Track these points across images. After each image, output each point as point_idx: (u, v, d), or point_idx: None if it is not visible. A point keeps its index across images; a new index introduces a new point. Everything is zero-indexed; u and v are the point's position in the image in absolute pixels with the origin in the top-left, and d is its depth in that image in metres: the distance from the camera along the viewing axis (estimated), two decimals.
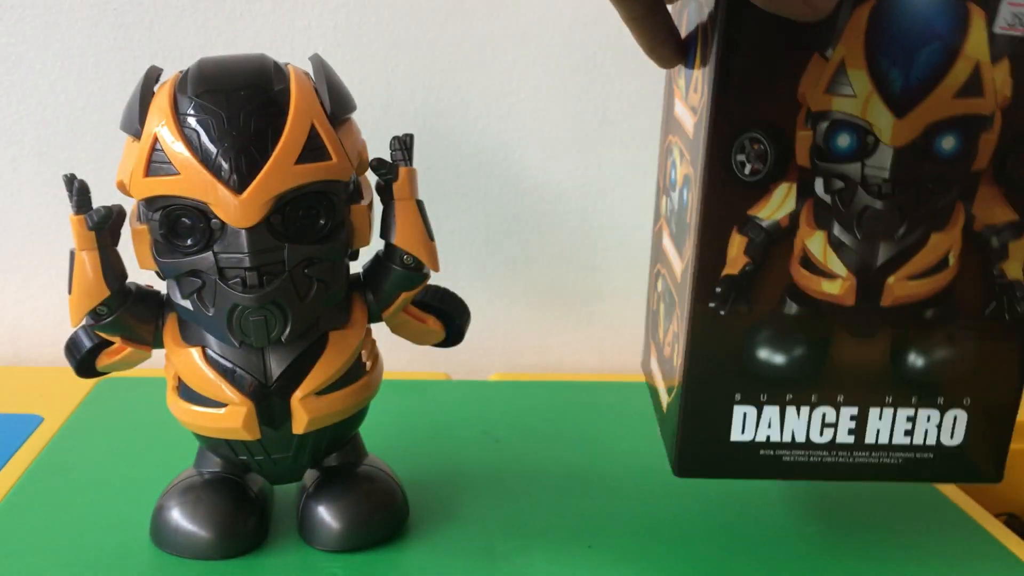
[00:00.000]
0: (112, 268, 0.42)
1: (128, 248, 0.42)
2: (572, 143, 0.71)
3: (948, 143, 0.38)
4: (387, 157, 0.43)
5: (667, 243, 0.47)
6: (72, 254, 0.42)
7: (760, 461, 0.44)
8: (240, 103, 0.39)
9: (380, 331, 0.47)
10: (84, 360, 0.46)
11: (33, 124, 0.70)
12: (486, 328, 0.77)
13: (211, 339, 0.43)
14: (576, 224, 0.74)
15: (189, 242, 0.40)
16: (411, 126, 0.70)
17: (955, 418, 0.43)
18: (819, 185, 0.39)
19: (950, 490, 0.56)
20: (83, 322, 0.43)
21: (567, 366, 0.78)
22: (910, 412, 0.43)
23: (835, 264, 0.40)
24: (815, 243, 0.40)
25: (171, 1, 0.67)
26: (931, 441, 0.43)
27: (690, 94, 0.41)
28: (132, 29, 0.68)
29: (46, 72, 0.69)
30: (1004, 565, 0.49)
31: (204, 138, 0.39)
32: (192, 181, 0.39)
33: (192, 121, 0.39)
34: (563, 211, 0.74)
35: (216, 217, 0.39)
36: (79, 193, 0.41)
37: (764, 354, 0.42)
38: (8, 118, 0.70)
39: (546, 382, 0.71)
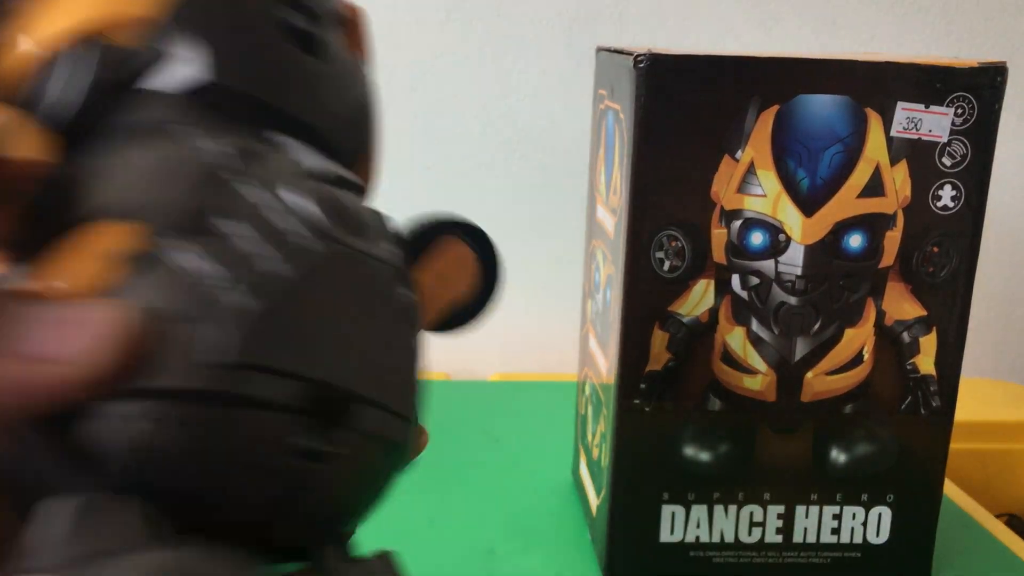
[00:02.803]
0: None
1: None
2: (572, 142, 0.72)
3: (855, 241, 0.40)
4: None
5: (593, 345, 0.47)
6: None
7: (690, 563, 0.43)
8: None
9: None
10: None
11: None
12: (486, 328, 0.77)
13: None
14: (577, 223, 0.75)
15: None
16: (411, 126, 0.72)
17: (880, 515, 0.43)
18: (736, 281, 0.40)
19: (951, 490, 0.55)
20: None
21: (567, 366, 0.78)
22: (835, 510, 0.43)
23: (755, 360, 0.41)
24: (735, 339, 0.41)
25: None
26: (857, 539, 0.43)
27: (610, 196, 0.43)
28: None
29: None
30: (1005, 566, 0.48)
31: None
32: None
33: None
34: (564, 211, 0.75)
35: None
36: None
37: (690, 451, 0.42)
38: None
39: (546, 382, 0.71)
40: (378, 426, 0.20)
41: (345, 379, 0.19)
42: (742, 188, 0.39)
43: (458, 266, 0.27)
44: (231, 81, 0.21)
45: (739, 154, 0.38)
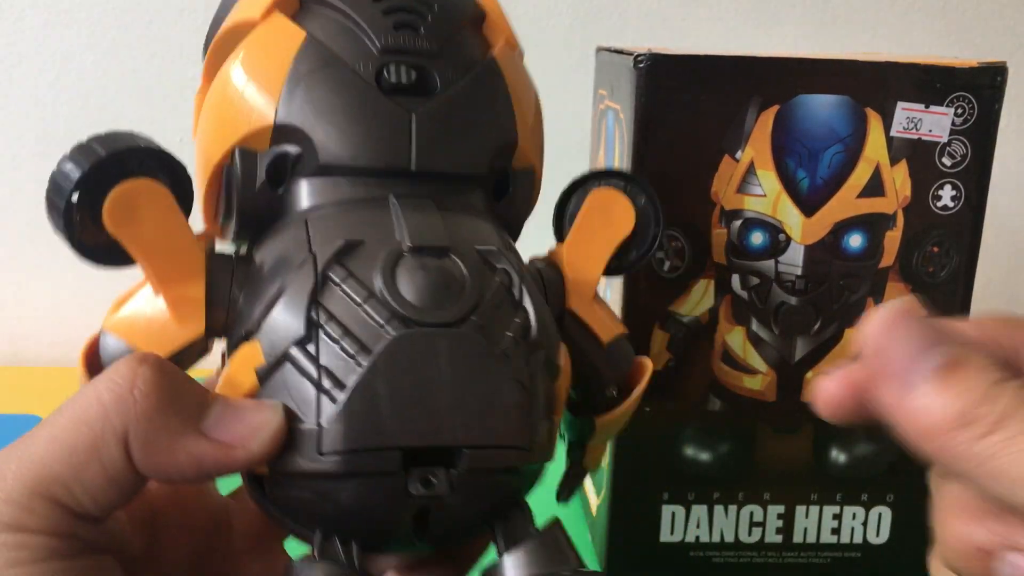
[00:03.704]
0: None
1: None
2: (572, 142, 0.73)
3: (855, 241, 0.40)
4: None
5: None
6: None
7: (690, 563, 0.43)
8: None
9: None
10: None
11: (33, 124, 0.70)
12: None
13: None
14: None
15: None
16: None
17: (880, 515, 0.43)
18: (736, 281, 0.40)
19: None
20: None
21: None
22: (835, 510, 0.43)
23: (755, 360, 0.41)
24: (735, 339, 0.41)
25: (171, 1, 0.69)
26: (858, 539, 0.43)
27: None
28: (132, 29, 0.69)
29: (46, 72, 0.70)
30: None
31: None
32: None
33: None
34: None
35: None
36: None
37: (690, 451, 0.42)
38: (8, 118, 0.70)
39: None
40: (481, 461, 0.25)
41: (436, 437, 0.24)
42: (742, 188, 0.39)
43: (611, 208, 0.31)
44: (340, 158, 0.26)
45: (739, 154, 0.38)
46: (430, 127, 0.27)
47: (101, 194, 0.25)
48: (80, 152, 0.25)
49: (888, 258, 0.40)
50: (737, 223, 0.39)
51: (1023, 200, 0.77)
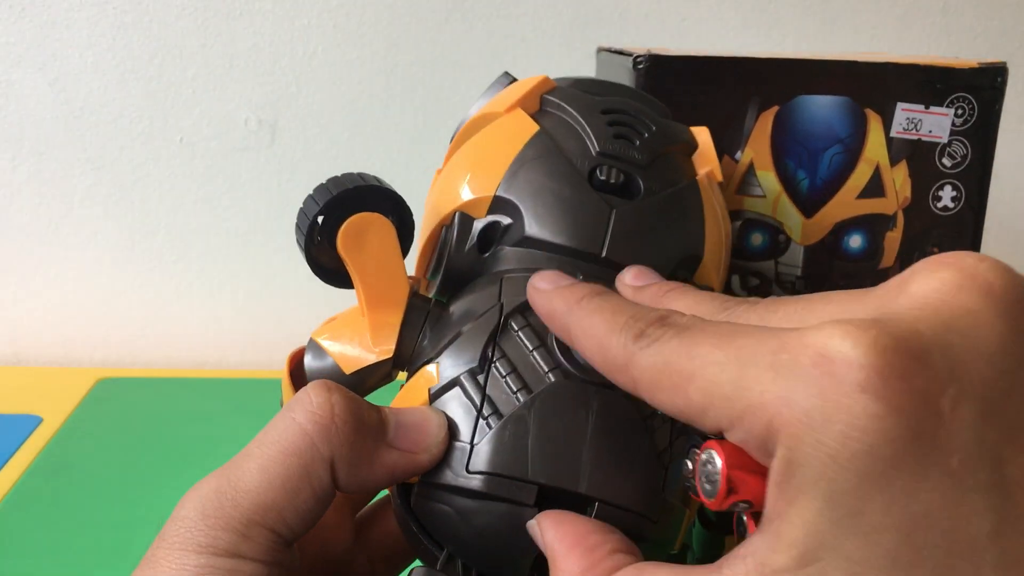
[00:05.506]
0: None
1: None
2: None
3: (855, 242, 0.40)
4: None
5: None
6: None
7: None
8: None
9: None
10: None
11: (32, 124, 0.71)
12: None
13: None
14: None
15: None
16: (411, 126, 0.72)
17: None
18: (735, 282, 0.40)
19: None
20: None
21: None
22: None
23: None
24: None
25: (171, 1, 0.69)
26: None
27: None
28: (131, 29, 0.69)
29: (46, 72, 0.70)
30: None
31: None
32: None
33: None
34: None
35: None
36: None
37: None
38: (7, 118, 0.71)
39: None
40: (608, 517, 0.25)
41: (572, 483, 0.26)
42: (742, 189, 0.39)
43: None
44: (543, 234, 0.30)
45: (739, 155, 0.38)
46: (626, 224, 0.30)
47: (340, 219, 0.30)
48: (332, 183, 0.30)
49: (888, 259, 0.40)
50: (737, 224, 0.39)
51: (1023, 200, 0.77)
